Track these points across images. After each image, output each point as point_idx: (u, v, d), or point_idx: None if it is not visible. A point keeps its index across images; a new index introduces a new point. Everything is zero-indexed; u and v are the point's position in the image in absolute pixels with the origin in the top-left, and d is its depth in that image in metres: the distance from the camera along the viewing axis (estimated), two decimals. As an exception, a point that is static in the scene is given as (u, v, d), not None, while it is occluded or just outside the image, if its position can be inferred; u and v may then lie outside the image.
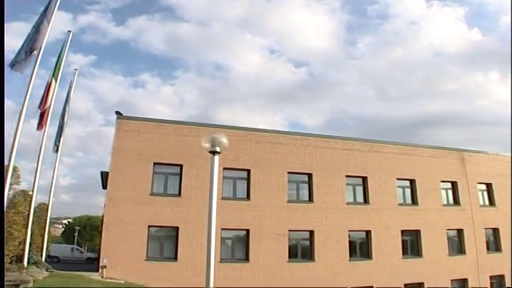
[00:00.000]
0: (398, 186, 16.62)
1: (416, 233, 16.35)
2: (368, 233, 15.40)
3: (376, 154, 16.69)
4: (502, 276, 18.20)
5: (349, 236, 15.16)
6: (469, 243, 17.62)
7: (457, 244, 17.59)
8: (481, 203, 18.82)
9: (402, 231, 16.01)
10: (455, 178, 18.14)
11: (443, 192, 17.78)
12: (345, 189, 15.51)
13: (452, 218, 17.41)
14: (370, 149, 16.69)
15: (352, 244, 15.21)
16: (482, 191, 19.14)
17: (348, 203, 15.36)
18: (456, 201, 17.89)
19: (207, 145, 4.15)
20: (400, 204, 16.38)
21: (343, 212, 15.06)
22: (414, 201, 16.69)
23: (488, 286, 17.74)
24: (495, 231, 18.82)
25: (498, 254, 18.45)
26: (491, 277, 17.94)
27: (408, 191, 16.78)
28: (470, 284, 17.19)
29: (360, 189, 15.85)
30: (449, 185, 18.01)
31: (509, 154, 20.71)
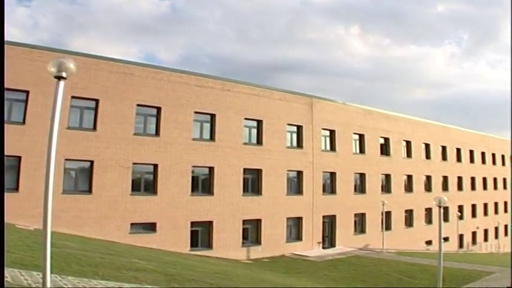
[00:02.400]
0: (245, 126, 22.71)
1: (258, 172, 22.99)
2: (211, 169, 21.07)
3: (228, 93, 22.11)
4: (333, 216, 27.02)
5: (193, 172, 20.55)
6: (307, 184, 25.47)
7: (296, 185, 25.26)
8: (323, 148, 26.82)
9: (245, 170, 22.32)
10: (302, 122, 25.40)
11: (288, 134, 24.91)
12: (192, 125, 20.46)
13: (294, 160, 24.76)
14: (222, 88, 21.96)
15: (195, 179, 20.69)
16: (325, 136, 27.15)
17: (194, 139, 20.54)
18: (300, 144, 25.32)
19: (53, 69, 4.70)
20: (245, 144, 22.58)
21: (188, 147, 20.13)
22: (259, 141, 23.15)
23: (321, 224, 26.22)
24: (332, 175, 27.46)
25: (332, 196, 27.22)
26: (324, 216, 26.50)
27: (254, 131, 23.09)
28: (304, 221, 25.19)
29: (207, 126, 21.07)
30: (294, 129, 25.18)
31: (358, 105, 29.55)
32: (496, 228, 44.53)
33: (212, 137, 21.33)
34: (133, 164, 18.57)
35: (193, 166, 20.57)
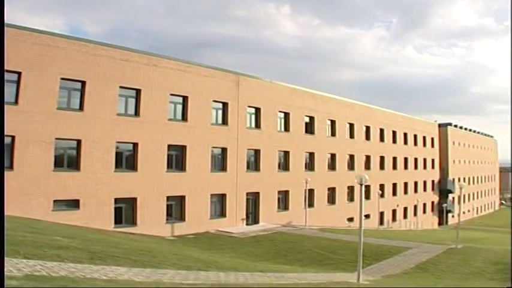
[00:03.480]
0: (171, 102, 25.52)
1: (182, 148, 26.03)
2: (135, 145, 23.73)
3: (154, 68, 24.68)
4: (257, 193, 30.82)
5: (117, 148, 23.09)
6: (231, 161, 28.95)
7: (220, 161, 28.64)
8: (248, 125, 30.37)
9: (169, 146, 25.23)
10: (227, 99, 28.71)
11: (214, 111, 28.08)
12: (117, 100, 22.84)
13: (218, 137, 28.09)
14: (149, 62, 24.46)
15: (119, 155, 23.26)
16: (250, 114, 30.70)
17: (119, 114, 22.99)
18: (225, 121, 28.65)
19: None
20: (171, 120, 25.41)
21: (113, 122, 22.54)
22: (184, 117, 26.07)
23: (245, 201, 29.89)
24: (257, 152, 31.26)
25: (256, 173, 30.99)
26: (247, 193, 30.22)
27: (180, 107, 25.94)
28: (228, 198, 28.69)
29: (132, 101, 23.57)
30: (220, 105, 28.41)
31: (285, 83, 33.45)
32: (415, 206, 51.69)
33: (137, 113, 23.87)
34: (56, 139, 20.60)
35: (118, 142, 23.06)
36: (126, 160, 23.82)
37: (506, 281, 15.35)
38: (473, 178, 79.80)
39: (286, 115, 34.06)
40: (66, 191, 20.96)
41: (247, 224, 30.03)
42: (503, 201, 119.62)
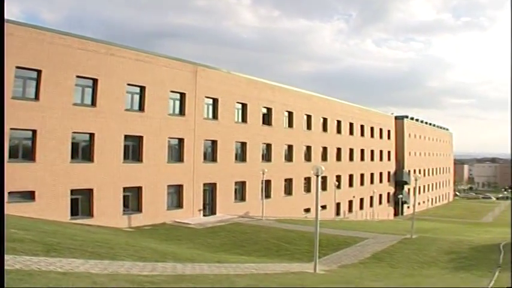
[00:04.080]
0: (128, 92, 26.32)
1: (139, 139, 26.93)
2: (92, 135, 24.48)
3: (112, 57, 25.40)
4: (214, 184, 32.07)
5: (73, 138, 23.75)
6: (188, 152, 30.04)
7: (177, 152, 29.68)
8: (205, 116, 31.52)
9: (126, 136, 26.11)
10: (185, 90, 29.77)
11: (171, 102, 29.02)
12: (73, 90, 23.46)
13: (175, 127, 29.16)
14: (107, 52, 25.17)
15: (75, 146, 23.94)
16: (208, 104, 31.86)
17: (75, 104, 23.62)
18: (182, 111, 29.67)
19: None
20: (128, 110, 26.23)
21: (69, 112, 23.21)
22: (141, 108, 26.93)
23: (201, 192, 31.06)
24: (214, 143, 32.45)
25: (213, 163, 32.23)
26: (204, 184, 31.44)
27: (137, 98, 26.75)
28: (185, 189, 29.82)
29: (89, 91, 24.24)
30: (178, 96, 29.42)
31: (243, 75, 34.66)
32: (372, 197, 54.45)
33: (94, 103, 24.57)
34: (11, 129, 20.97)
35: (74, 132, 23.71)
36: (82, 151, 24.47)
37: (458, 270, 16.98)
38: (429, 170, 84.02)
39: (244, 106, 35.43)
40: (21, 183, 21.32)
41: (204, 215, 31.27)
42: (457, 193, 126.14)
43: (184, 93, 29.98)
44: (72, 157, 23.78)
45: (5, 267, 6.73)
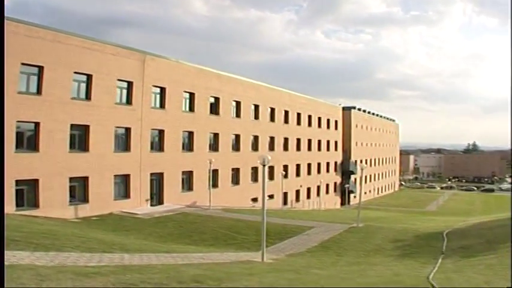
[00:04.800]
0: (75, 80, 27.05)
1: (85, 128, 27.74)
2: (37, 124, 25.12)
3: (58, 44, 26.04)
4: (161, 174, 33.21)
5: (18, 127, 24.31)
6: (135, 141, 31.07)
7: (124, 142, 30.67)
8: (153, 105, 32.58)
9: (72, 125, 26.87)
10: (133, 78, 30.78)
11: (118, 90, 29.91)
12: (18, 78, 23.99)
13: (122, 117, 30.14)
14: (53, 39, 25.80)
15: (20, 135, 24.54)
16: (156, 93, 32.91)
17: (20, 93, 24.16)
18: (129, 100, 30.63)
19: None
20: (74, 99, 26.97)
21: (13, 101, 23.60)
22: (88, 96, 27.72)
23: (149, 182, 32.15)
24: (161, 132, 33.60)
25: (160, 153, 33.41)
26: (151, 174, 32.53)
27: (84, 86, 27.50)
28: (132, 179, 30.82)
29: (34, 79, 24.79)
30: (125, 84, 30.34)
31: (192, 64, 35.87)
32: (318, 187, 57.07)
33: (39, 91, 25.11)
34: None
35: (19, 121, 24.17)
36: (27, 140, 25.06)
37: (403, 257, 17.77)
38: (375, 160, 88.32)
39: (192, 95, 36.74)
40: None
41: (151, 205, 32.40)
42: (403, 183, 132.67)
43: (132, 82, 30.90)
44: (17, 147, 24.23)
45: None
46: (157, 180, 33.63)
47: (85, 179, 27.99)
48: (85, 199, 27.95)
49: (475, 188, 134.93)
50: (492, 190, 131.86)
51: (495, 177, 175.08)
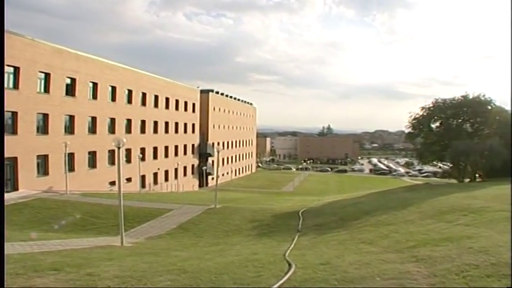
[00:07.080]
0: None
1: None
2: None
3: None
4: (15, 158, 33.72)
5: None
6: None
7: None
8: (5, 85, 32.87)
9: None
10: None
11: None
12: None
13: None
14: None
15: None
16: (9, 73, 33.28)
17: None
18: (-20, 81, 30.66)
19: None
20: None
21: None
22: None
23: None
24: (14, 114, 34.12)
25: (13, 136, 34.05)
26: (5, 158, 32.79)
27: None
28: None
29: None
30: (-25, 65, 30.39)
31: (48, 43, 36.44)
32: (176, 170, 60.31)
33: None
34: None
35: None
36: None
37: (261, 236, 18.72)
38: (232, 142, 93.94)
39: (47, 76, 37.35)
40: None
41: (6, 192, 32.45)
42: (260, 164, 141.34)
43: (-18, 62, 30.90)
44: None
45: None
46: (11, 166, 33.60)
47: None
48: None
49: (329, 169, 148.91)
50: (345, 171, 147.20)
51: (348, 159, 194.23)
